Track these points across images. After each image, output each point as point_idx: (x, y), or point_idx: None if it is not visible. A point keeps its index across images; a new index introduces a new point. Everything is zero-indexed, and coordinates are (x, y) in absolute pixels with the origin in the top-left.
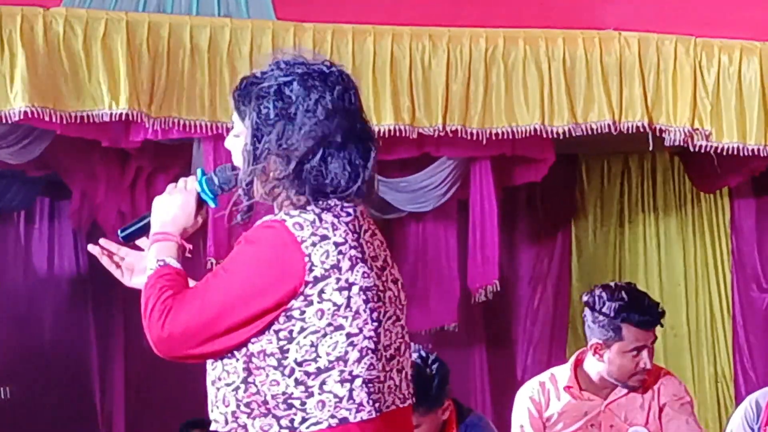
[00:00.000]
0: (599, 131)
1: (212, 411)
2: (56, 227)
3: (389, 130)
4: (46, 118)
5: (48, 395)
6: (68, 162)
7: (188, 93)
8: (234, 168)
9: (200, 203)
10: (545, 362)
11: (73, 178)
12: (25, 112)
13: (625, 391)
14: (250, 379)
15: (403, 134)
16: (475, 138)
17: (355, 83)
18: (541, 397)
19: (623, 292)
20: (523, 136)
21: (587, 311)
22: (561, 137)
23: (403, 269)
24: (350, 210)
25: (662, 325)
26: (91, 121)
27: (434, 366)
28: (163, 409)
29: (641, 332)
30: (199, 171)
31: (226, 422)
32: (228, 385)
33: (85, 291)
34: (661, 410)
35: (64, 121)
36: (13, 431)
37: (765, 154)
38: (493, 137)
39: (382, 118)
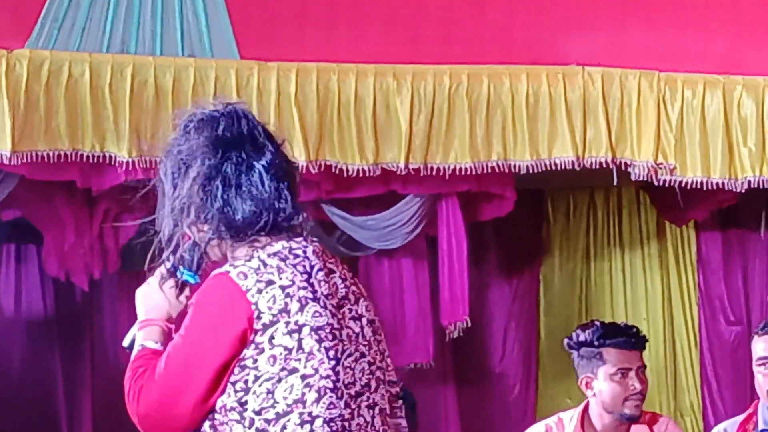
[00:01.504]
0: (563, 167)
1: None
2: (23, 270)
3: (354, 169)
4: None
5: None
6: (35, 206)
7: (153, 132)
8: None
9: (182, 284)
10: (516, 398)
11: (41, 221)
12: None
13: None
14: None
15: (368, 172)
16: (438, 174)
17: (250, 115)
18: None
19: (597, 322)
20: (486, 172)
21: (572, 353)
22: (525, 173)
23: (377, 306)
24: (299, 251)
25: (642, 350)
26: (56, 161)
27: (400, 395)
28: None
29: (622, 353)
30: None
31: None
32: None
33: (51, 334)
34: None
35: (30, 161)
36: None
37: (729, 188)
38: (457, 173)
39: (346, 157)
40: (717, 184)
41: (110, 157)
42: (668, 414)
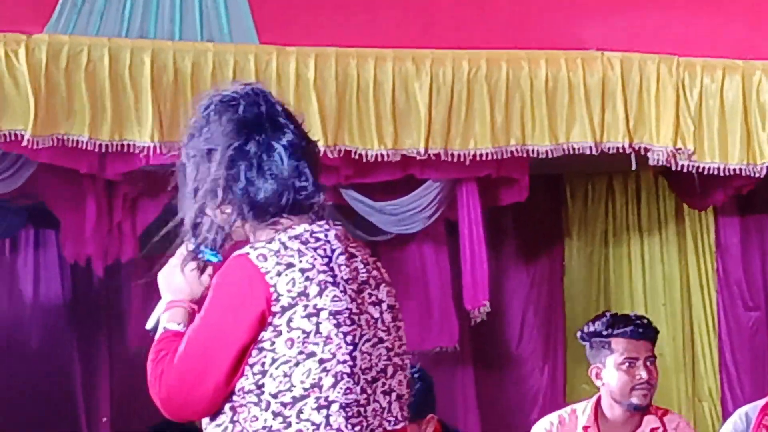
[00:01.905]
0: (581, 152)
1: None
2: (41, 255)
3: (373, 154)
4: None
5: (32, 424)
6: (53, 191)
7: (172, 117)
8: None
9: (204, 264)
10: (534, 384)
11: (60, 207)
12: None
13: None
14: (235, 418)
15: (387, 157)
16: (457, 160)
17: (270, 96)
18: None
19: (608, 313)
20: (505, 157)
21: (585, 344)
22: (543, 158)
23: (400, 291)
24: (320, 235)
25: (652, 340)
26: (73, 146)
27: (416, 376)
28: None
29: (630, 343)
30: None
31: None
32: (218, 425)
33: (69, 319)
34: None
35: (43, 145)
36: None
37: (747, 173)
38: (477, 158)
39: (365, 142)
40: (735, 169)
41: (129, 142)
42: (687, 400)
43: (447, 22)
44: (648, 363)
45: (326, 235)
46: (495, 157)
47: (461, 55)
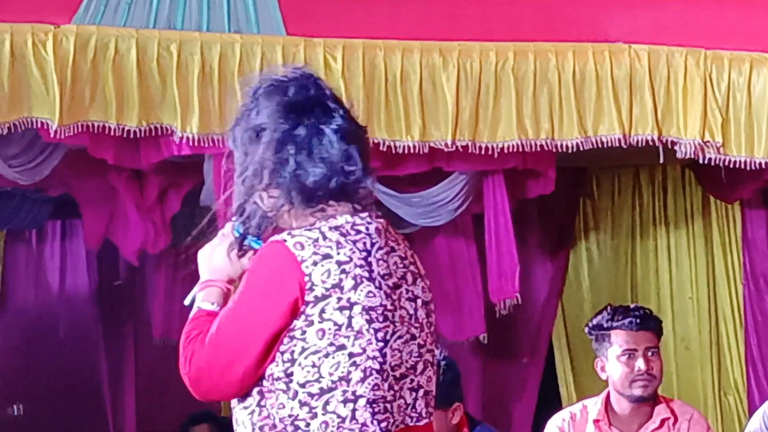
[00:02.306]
0: (609, 144)
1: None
2: (68, 246)
3: (402, 146)
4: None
5: (59, 413)
6: (80, 181)
7: (200, 109)
8: None
9: (241, 245)
10: (557, 376)
11: (85, 197)
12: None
13: (651, 429)
14: (262, 403)
15: (414, 149)
16: (485, 152)
17: (319, 80)
18: (570, 428)
19: (610, 306)
20: (534, 150)
21: (591, 339)
22: (570, 151)
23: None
24: (362, 227)
25: (653, 331)
26: (99, 132)
27: (443, 364)
28: (174, 422)
29: (629, 334)
30: (234, 219)
31: None
32: (245, 408)
33: (96, 309)
34: None
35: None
36: None
37: None
38: (505, 151)
39: (393, 133)
40: (762, 163)
41: (157, 132)
42: (713, 393)
43: (474, 14)
44: (649, 354)
45: (367, 228)
46: (523, 149)
47: (488, 47)
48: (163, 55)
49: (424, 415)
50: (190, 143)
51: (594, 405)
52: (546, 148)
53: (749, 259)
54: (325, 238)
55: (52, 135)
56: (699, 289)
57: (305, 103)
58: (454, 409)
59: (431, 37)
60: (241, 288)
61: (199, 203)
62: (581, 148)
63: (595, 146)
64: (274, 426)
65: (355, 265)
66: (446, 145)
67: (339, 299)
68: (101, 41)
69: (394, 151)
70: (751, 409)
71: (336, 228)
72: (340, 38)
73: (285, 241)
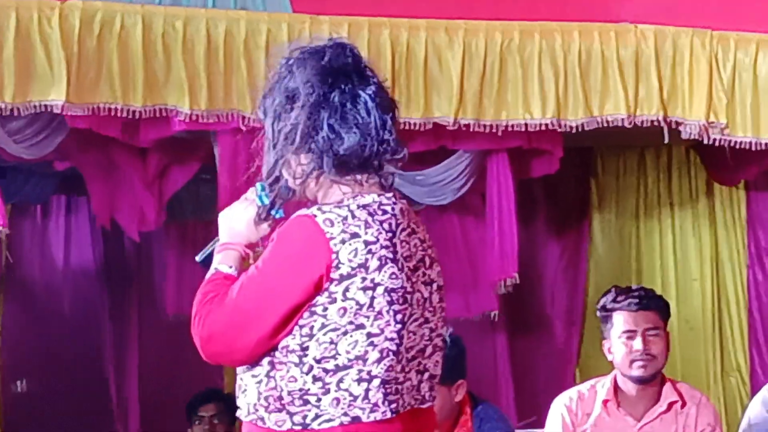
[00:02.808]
0: (614, 125)
1: (238, 397)
2: (73, 221)
3: (405, 123)
4: (62, 111)
5: (63, 387)
6: (85, 156)
7: (207, 85)
8: None
9: (265, 213)
10: (562, 353)
11: (90, 172)
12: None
13: (658, 412)
14: (271, 373)
15: (418, 126)
16: (489, 131)
17: (354, 49)
18: (578, 407)
19: (614, 287)
20: (538, 129)
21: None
22: (576, 131)
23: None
24: (388, 208)
25: (655, 311)
26: (107, 113)
27: (449, 340)
28: (177, 399)
29: (629, 315)
30: (258, 184)
31: (248, 412)
32: (254, 376)
33: (100, 284)
34: None
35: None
36: (28, 423)
37: None
38: (509, 130)
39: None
40: (766, 144)
41: (161, 109)
42: (717, 374)
43: None
44: (647, 335)
45: (393, 209)
46: (528, 129)
47: (494, 26)
48: (168, 32)
49: (427, 398)
50: (196, 120)
51: (602, 386)
52: (551, 128)
53: (753, 241)
54: (353, 216)
55: (58, 112)
56: (703, 270)
57: (342, 68)
58: (457, 385)
59: (437, 16)
60: (265, 256)
61: (203, 180)
62: (586, 128)
63: (601, 126)
64: (281, 398)
65: (381, 246)
66: (449, 123)
67: (363, 279)
68: (107, 17)
69: (398, 129)
70: (754, 391)
71: (364, 206)
72: (346, 16)
73: (315, 216)
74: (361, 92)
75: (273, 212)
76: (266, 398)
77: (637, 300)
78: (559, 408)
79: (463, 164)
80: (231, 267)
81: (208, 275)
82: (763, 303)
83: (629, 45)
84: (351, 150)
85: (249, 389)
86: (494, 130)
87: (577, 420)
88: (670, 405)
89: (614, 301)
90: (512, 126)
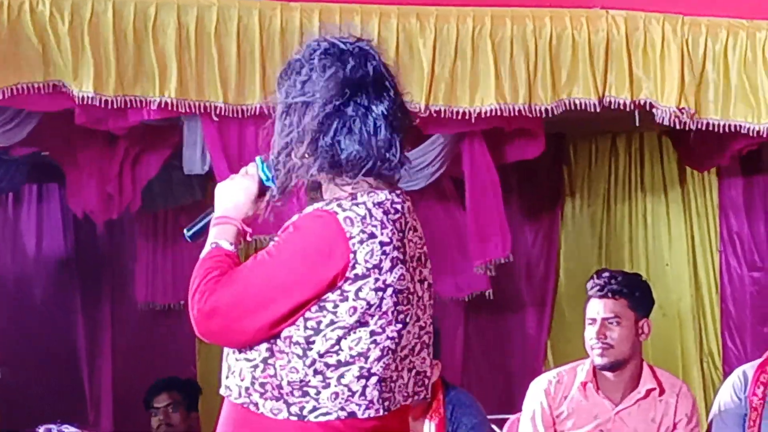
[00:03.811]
0: (585, 109)
1: (227, 378)
2: (44, 209)
3: None
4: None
5: (36, 375)
6: (57, 144)
7: (175, 72)
8: None
9: (263, 189)
10: (533, 339)
11: (63, 160)
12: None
13: (636, 398)
14: (270, 361)
15: None
16: (461, 117)
17: (378, 57)
18: (556, 390)
19: (597, 271)
20: (510, 114)
21: None
22: (546, 115)
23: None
24: (399, 206)
25: (617, 297)
26: (78, 102)
27: None
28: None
29: (593, 302)
30: (258, 158)
31: (239, 395)
32: (248, 360)
33: (72, 272)
34: (674, 427)
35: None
36: (0, 411)
37: (749, 133)
38: (482, 116)
39: None
40: (738, 128)
41: (132, 98)
42: (691, 360)
43: None
44: (606, 323)
45: (403, 208)
46: (500, 113)
47: (466, 12)
48: (139, 18)
49: (411, 393)
50: (167, 107)
51: (582, 369)
52: (523, 114)
53: (726, 226)
54: (371, 215)
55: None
56: (676, 256)
57: (360, 80)
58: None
59: (408, 2)
60: (280, 245)
61: (174, 168)
62: (554, 113)
63: (569, 108)
64: (280, 387)
65: (394, 247)
66: (420, 109)
67: (376, 280)
68: (77, 3)
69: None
70: (726, 375)
71: (379, 205)
72: (317, 2)
73: (336, 213)
74: (374, 108)
75: (275, 190)
76: (263, 384)
77: (598, 287)
78: (537, 391)
79: (438, 149)
80: (231, 244)
81: (206, 249)
82: (735, 288)
83: (600, 30)
84: (350, 161)
85: (243, 372)
86: (468, 117)
87: (555, 404)
88: (648, 392)
89: (588, 285)
90: (484, 112)
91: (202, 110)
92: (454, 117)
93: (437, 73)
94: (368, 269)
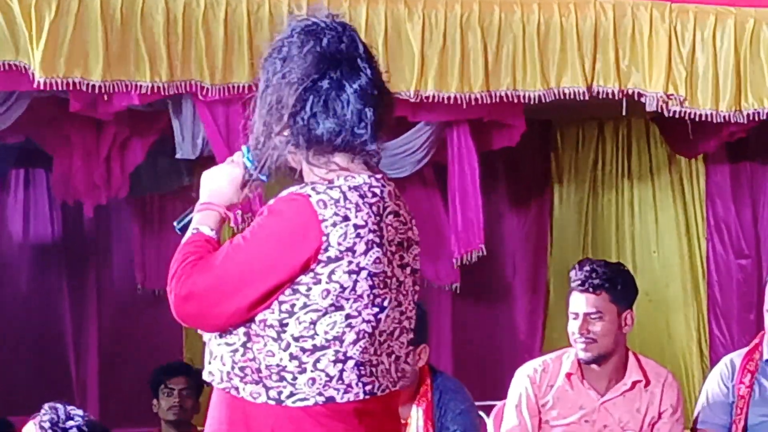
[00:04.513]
0: (573, 97)
1: (209, 363)
2: (31, 195)
3: None
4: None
5: (22, 360)
6: (44, 130)
7: (166, 57)
8: None
9: (249, 176)
10: (523, 326)
11: (51, 146)
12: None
13: (622, 390)
14: (248, 345)
15: None
16: (450, 102)
17: (355, 34)
18: (542, 379)
19: (578, 262)
20: (496, 101)
21: None
22: (534, 102)
23: None
24: (377, 190)
25: (599, 292)
26: (66, 87)
27: None
28: (137, 372)
29: (576, 296)
30: (244, 147)
31: (221, 380)
32: (228, 344)
33: (59, 258)
34: (659, 417)
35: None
36: None
37: (736, 120)
38: (472, 102)
39: None
40: (725, 116)
41: (120, 84)
42: (679, 347)
43: None
44: (588, 318)
45: (381, 192)
46: (487, 101)
47: None
48: (127, 5)
49: (396, 379)
50: (153, 93)
51: (568, 357)
52: (509, 99)
53: (712, 214)
54: (345, 198)
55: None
56: (664, 243)
57: (335, 55)
58: (420, 350)
59: None
60: (255, 229)
61: (160, 154)
62: (544, 100)
63: (558, 97)
64: (259, 370)
65: (369, 230)
66: (409, 95)
67: (350, 263)
68: None
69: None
70: (713, 362)
71: (355, 188)
72: None
73: (309, 196)
74: (346, 83)
75: (260, 175)
76: (242, 368)
77: (579, 281)
78: (522, 380)
79: (424, 136)
80: (212, 230)
81: (187, 235)
82: (722, 275)
83: (588, 17)
84: (324, 135)
85: (224, 357)
86: (455, 102)
87: (540, 392)
88: (634, 383)
89: (571, 276)
90: (473, 98)
91: (186, 91)
92: (444, 102)
93: (427, 60)
94: (341, 252)
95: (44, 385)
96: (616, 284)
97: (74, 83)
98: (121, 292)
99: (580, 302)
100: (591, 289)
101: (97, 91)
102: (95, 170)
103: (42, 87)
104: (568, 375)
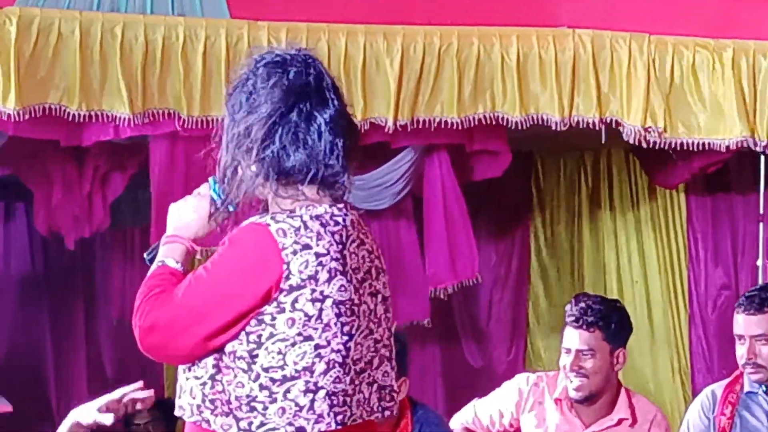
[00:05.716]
0: (551, 127)
1: (179, 397)
2: (11, 228)
3: None
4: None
5: (3, 396)
6: (25, 163)
7: (141, 91)
8: None
9: (215, 208)
10: (500, 359)
11: (32, 179)
12: None
13: (606, 425)
14: (217, 377)
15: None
16: (426, 127)
17: (320, 66)
18: (529, 393)
19: (574, 297)
20: (473, 125)
21: None
22: (515, 130)
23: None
24: (340, 219)
25: (591, 329)
26: (44, 118)
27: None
28: None
29: (570, 331)
30: (211, 179)
31: (192, 413)
32: (197, 378)
33: (40, 292)
34: None
35: (20, 119)
36: None
37: (716, 150)
38: (445, 126)
39: None
40: (704, 146)
41: (98, 115)
42: (661, 377)
43: None
44: (582, 354)
45: (344, 220)
46: (463, 125)
47: (433, 30)
48: (106, 38)
49: (375, 409)
50: (133, 125)
51: (561, 381)
52: (486, 123)
53: (693, 243)
54: (306, 227)
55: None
56: (645, 273)
57: (303, 87)
58: (400, 383)
59: (376, 21)
60: (215, 259)
61: (139, 186)
62: (522, 126)
63: (537, 123)
64: (229, 402)
65: (332, 258)
66: (386, 122)
67: (313, 291)
68: (44, 23)
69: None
70: (695, 392)
71: (317, 217)
72: (284, 21)
73: (269, 225)
74: (317, 114)
75: (229, 207)
76: (212, 401)
77: (574, 317)
78: (513, 388)
79: (403, 168)
80: (177, 262)
81: (152, 267)
82: (703, 305)
83: (567, 49)
84: (296, 169)
85: (194, 391)
86: (429, 126)
87: (521, 407)
88: (620, 421)
89: (566, 310)
90: (448, 122)
91: (166, 121)
92: (418, 127)
93: (403, 90)
94: (303, 280)
95: (26, 422)
96: (611, 323)
97: (51, 109)
98: (108, 320)
99: (573, 338)
100: (585, 326)
101: (76, 120)
102: (76, 204)
103: (17, 117)
104: (557, 401)
